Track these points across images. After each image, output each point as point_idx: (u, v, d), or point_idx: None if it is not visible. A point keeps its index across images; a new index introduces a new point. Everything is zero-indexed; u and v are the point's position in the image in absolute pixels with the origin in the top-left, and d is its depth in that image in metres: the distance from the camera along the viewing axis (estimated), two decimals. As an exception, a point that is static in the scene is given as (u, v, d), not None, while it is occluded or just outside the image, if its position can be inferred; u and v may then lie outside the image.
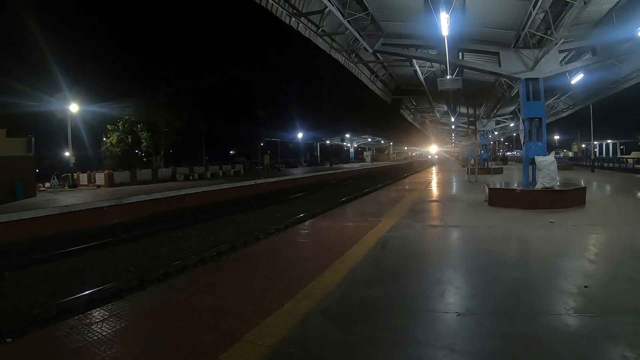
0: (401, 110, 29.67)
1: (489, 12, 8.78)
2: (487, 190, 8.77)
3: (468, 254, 4.94)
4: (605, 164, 26.52)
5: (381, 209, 8.54)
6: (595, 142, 29.80)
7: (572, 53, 10.86)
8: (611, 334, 2.50)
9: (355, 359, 2.36)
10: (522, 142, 9.30)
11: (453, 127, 33.06)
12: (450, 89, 13.08)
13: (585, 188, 8.53)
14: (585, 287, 3.28)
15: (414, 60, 14.17)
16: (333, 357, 2.37)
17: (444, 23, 7.63)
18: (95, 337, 2.67)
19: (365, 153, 65.59)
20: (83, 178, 20.01)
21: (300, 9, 10.30)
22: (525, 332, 2.55)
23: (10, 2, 22.33)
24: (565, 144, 52.04)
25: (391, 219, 6.96)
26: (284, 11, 10.05)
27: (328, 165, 44.36)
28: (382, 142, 73.59)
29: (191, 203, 14.80)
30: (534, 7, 7.74)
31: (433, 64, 14.52)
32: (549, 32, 8.30)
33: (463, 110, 24.61)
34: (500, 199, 8.28)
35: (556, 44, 8.45)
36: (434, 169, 31.09)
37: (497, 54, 9.54)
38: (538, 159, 8.15)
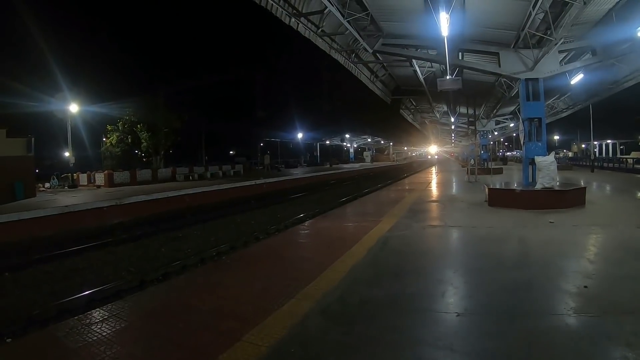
0: (401, 111, 29.68)
1: (489, 12, 8.78)
2: (486, 190, 8.77)
3: (468, 254, 4.94)
4: (605, 164, 26.55)
5: (381, 209, 8.54)
6: (595, 142, 29.81)
7: (572, 53, 10.86)
8: (611, 334, 2.50)
9: (355, 359, 2.36)
10: (521, 143, 9.30)
11: (453, 127, 33.05)
12: (450, 89, 13.09)
13: (585, 188, 8.53)
14: (585, 287, 3.28)
15: (413, 60, 14.18)
16: (333, 357, 2.36)
17: (444, 23, 7.62)
18: (95, 338, 2.67)
19: (365, 153, 65.62)
20: (83, 178, 20.01)
21: (300, 9, 10.30)
22: (525, 332, 2.55)
23: (10, 2, 22.33)
24: (565, 144, 52.14)
25: (391, 219, 6.95)
26: (284, 11, 10.05)
27: (328, 166, 44.38)
28: (382, 142, 73.63)
29: (191, 203, 14.79)
30: (533, 8, 7.75)
31: (433, 64, 14.52)
32: (548, 32, 8.30)
33: (463, 110, 24.61)
34: (500, 199, 8.28)
35: (556, 44, 8.46)
36: (433, 169, 31.10)
37: (497, 54, 9.54)
38: (538, 159, 8.15)
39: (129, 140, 23.83)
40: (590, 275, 3.62)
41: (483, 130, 27.52)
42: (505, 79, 15.07)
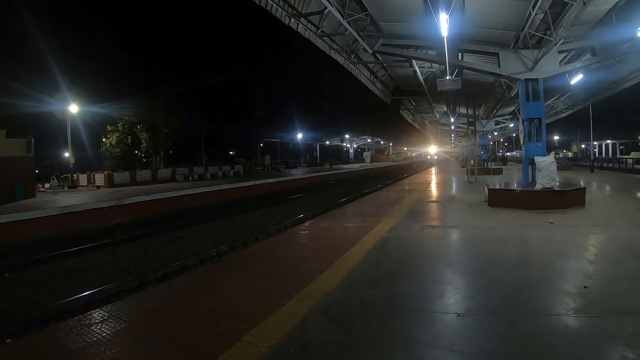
0: (401, 111, 29.73)
1: (489, 13, 8.78)
2: (486, 190, 8.77)
3: (468, 254, 4.94)
4: (605, 164, 26.57)
5: (381, 210, 8.55)
6: (595, 143, 29.82)
7: (572, 53, 10.86)
8: (611, 334, 2.50)
9: (355, 360, 2.36)
10: (521, 143, 9.30)
11: (452, 127, 33.07)
12: (449, 90, 13.10)
13: (584, 188, 8.53)
14: (585, 287, 3.27)
15: (413, 60, 14.18)
16: (333, 357, 2.36)
17: (444, 24, 7.62)
18: (95, 338, 2.67)
19: (364, 154, 65.71)
20: (83, 179, 20.00)
21: (299, 10, 10.31)
22: (525, 332, 2.55)
23: (10, 2, 22.34)
24: (564, 145, 52.19)
25: (391, 220, 6.95)
26: (284, 12, 10.06)
27: (328, 166, 44.43)
28: (382, 142, 73.69)
29: (191, 204, 14.80)
30: (533, 8, 7.75)
31: (432, 64, 14.52)
32: (548, 33, 8.30)
33: (462, 110, 24.62)
34: (499, 199, 8.28)
35: (555, 44, 8.46)
36: (433, 170, 31.10)
37: (497, 54, 9.55)
38: (538, 159, 8.14)
39: (129, 140, 23.84)
40: (590, 275, 3.62)
41: (483, 131, 27.53)
42: (504, 80, 15.07)
